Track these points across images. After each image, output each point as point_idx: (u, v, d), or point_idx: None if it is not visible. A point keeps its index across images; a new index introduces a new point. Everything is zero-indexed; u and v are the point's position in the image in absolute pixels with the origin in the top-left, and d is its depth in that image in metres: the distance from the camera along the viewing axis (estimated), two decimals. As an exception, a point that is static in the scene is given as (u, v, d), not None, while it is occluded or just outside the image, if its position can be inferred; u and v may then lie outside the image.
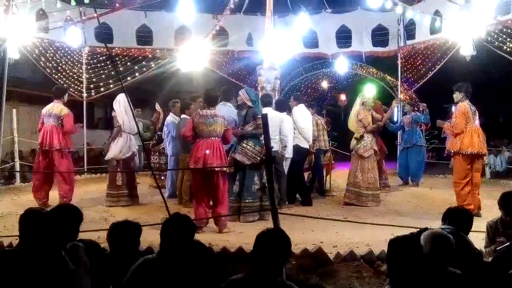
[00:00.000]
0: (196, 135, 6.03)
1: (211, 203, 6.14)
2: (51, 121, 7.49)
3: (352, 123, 7.97)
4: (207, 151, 5.85)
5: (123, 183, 7.63)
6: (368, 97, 8.06)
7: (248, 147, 6.50)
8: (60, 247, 2.77)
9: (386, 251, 4.46)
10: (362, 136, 7.76)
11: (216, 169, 5.86)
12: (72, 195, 7.52)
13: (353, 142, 7.91)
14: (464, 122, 6.64)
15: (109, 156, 7.65)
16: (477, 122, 6.80)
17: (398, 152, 10.92)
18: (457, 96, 6.85)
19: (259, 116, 6.61)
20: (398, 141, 11.16)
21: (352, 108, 8.19)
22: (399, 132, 11.19)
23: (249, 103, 6.67)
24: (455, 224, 3.55)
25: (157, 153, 9.44)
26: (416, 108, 10.66)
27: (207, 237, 5.43)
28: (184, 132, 6.20)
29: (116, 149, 7.56)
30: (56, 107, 7.54)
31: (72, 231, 3.20)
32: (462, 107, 6.68)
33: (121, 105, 7.61)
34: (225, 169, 6.06)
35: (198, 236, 3.17)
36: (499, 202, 3.98)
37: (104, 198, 7.66)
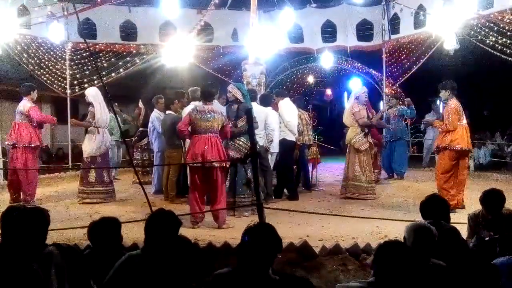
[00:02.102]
0: (193, 130, 5.98)
1: (205, 199, 6.13)
2: (16, 118, 7.55)
3: (346, 117, 8.01)
4: (206, 147, 5.80)
5: (97, 180, 7.52)
6: (362, 92, 8.08)
7: (241, 143, 6.47)
8: (30, 256, 2.65)
9: (370, 244, 4.56)
10: (363, 130, 7.79)
11: (216, 165, 5.81)
12: (31, 192, 7.42)
13: (349, 136, 7.93)
14: (458, 119, 6.69)
15: (87, 153, 7.53)
16: (465, 119, 6.87)
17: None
18: (444, 94, 6.88)
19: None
20: (383, 134, 11.20)
21: (348, 102, 8.24)
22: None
23: (240, 98, 6.63)
24: (432, 213, 3.55)
25: (139, 149, 9.39)
26: (401, 102, 10.72)
27: (193, 232, 5.42)
28: (180, 127, 6.16)
29: (93, 146, 7.46)
30: (21, 104, 7.55)
31: (39, 236, 2.82)
32: (455, 105, 6.71)
33: (95, 99, 7.55)
34: (224, 164, 6.00)
35: (183, 231, 3.16)
36: (481, 199, 4.01)
37: (76, 194, 7.59)
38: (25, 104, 7.50)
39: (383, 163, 10.36)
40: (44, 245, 2.83)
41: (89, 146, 7.50)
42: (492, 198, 3.92)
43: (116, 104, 10.75)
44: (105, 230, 3.24)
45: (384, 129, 11.01)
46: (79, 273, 2.87)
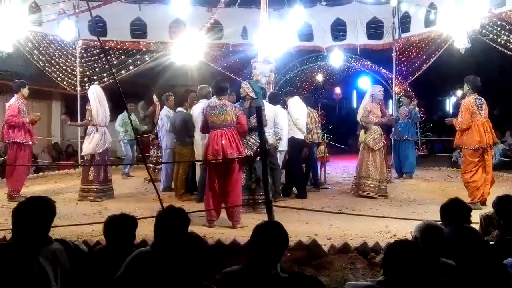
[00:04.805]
0: (209, 127, 5.94)
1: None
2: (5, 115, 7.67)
3: (360, 115, 8.00)
4: (224, 141, 5.73)
5: (95, 178, 7.52)
6: (378, 90, 8.07)
7: (252, 140, 6.41)
8: (34, 250, 2.67)
9: (379, 243, 4.54)
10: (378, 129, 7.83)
11: (235, 156, 5.73)
12: (16, 188, 7.50)
13: (362, 135, 7.92)
14: (470, 117, 6.74)
15: (85, 152, 7.59)
16: (483, 114, 6.86)
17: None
18: (464, 88, 7.01)
19: (264, 108, 6.59)
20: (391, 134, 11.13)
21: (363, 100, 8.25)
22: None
23: (252, 95, 6.60)
24: (454, 217, 3.54)
25: (155, 147, 9.44)
26: (412, 102, 10.64)
27: (201, 229, 5.43)
28: (201, 130, 6.25)
29: (92, 145, 7.49)
30: (10, 101, 7.66)
31: (43, 227, 2.82)
32: (467, 103, 6.79)
33: (95, 96, 7.55)
34: (243, 158, 5.90)
35: (192, 229, 3.18)
36: (494, 204, 3.95)
37: (78, 192, 7.62)
38: (11, 101, 7.62)
39: (394, 162, 10.33)
40: (48, 239, 2.83)
41: (88, 145, 7.54)
42: (504, 204, 3.85)
43: (133, 104, 10.83)
44: (122, 226, 3.24)
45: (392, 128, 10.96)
46: (81, 272, 2.88)
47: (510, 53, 9.33)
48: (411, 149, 10.24)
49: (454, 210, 3.63)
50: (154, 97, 9.79)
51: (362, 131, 7.95)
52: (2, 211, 6.36)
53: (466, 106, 6.75)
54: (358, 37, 12.41)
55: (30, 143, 7.77)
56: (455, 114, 7.52)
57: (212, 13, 11.22)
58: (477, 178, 6.75)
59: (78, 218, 5.98)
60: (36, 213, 2.73)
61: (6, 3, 8.71)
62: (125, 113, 10.08)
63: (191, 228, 3.15)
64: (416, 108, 10.34)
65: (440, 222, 3.47)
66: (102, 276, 2.99)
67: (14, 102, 7.58)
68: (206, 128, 6.04)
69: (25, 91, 7.73)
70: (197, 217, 5.87)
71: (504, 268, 2.67)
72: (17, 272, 2.55)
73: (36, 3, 10.48)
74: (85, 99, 8.00)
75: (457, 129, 6.92)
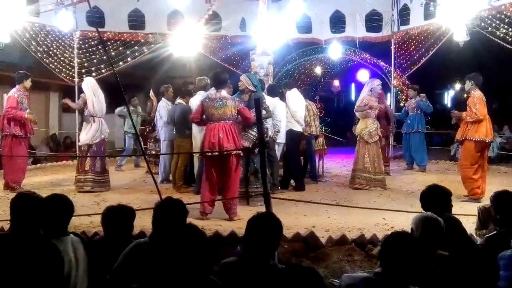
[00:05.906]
0: (207, 119, 5.89)
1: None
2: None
3: (356, 107, 8.02)
4: (221, 134, 5.70)
5: (91, 168, 7.50)
6: (376, 84, 8.07)
7: (253, 132, 6.36)
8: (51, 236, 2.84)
9: (377, 235, 4.56)
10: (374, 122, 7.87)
11: (233, 152, 5.70)
12: (17, 180, 7.52)
13: (358, 128, 7.95)
14: (484, 108, 6.78)
15: (82, 142, 7.58)
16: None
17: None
18: (467, 85, 7.01)
19: (264, 101, 6.57)
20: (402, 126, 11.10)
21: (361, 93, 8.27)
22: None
23: (251, 88, 6.57)
24: (433, 204, 3.54)
25: (152, 140, 9.44)
26: (419, 94, 10.60)
27: (200, 221, 5.44)
28: (193, 116, 6.15)
29: (89, 135, 7.49)
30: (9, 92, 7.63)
31: (65, 220, 3.14)
32: (479, 95, 6.82)
33: (89, 88, 7.53)
34: (240, 152, 5.87)
35: (190, 220, 3.18)
36: (491, 199, 3.96)
37: (74, 183, 7.60)
38: (10, 92, 7.59)
39: (404, 154, 10.40)
40: (66, 231, 3.04)
41: (85, 135, 7.53)
42: (502, 200, 3.84)
43: (136, 99, 10.80)
44: (120, 217, 3.25)
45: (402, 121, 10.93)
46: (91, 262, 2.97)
47: (509, 47, 9.31)
48: (422, 141, 10.26)
49: (434, 196, 3.63)
50: (151, 92, 9.77)
51: (359, 124, 7.97)
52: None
53: (479, 98, 6.77)
54: (357, 30, 12.36)
55: (28, 136, 7.78)
56: (455, 108, 7.52)
57: (211, 4, 11.15)
58: (478, 177, 6.78)
59: (76, 209, 5.88)
60: (60, 208, 3.12)
61: (3, -7, 8.65)
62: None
63: (189, 220, 3.16)
64: (427, 101, 10.33)
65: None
66: (100, 266, 3.00)
67: (14, 93, 7.55)
68: (199, 118, 5.98)
69: (28, 83, 7.70)
70: (196, 209, 5.86)
71: (492, 261, 2.70)
72: (45, 257, 2.61)
73: (34, -7, 10.41)
74: (82, 90, 7.97)
75: (469, 120, 6.85)
